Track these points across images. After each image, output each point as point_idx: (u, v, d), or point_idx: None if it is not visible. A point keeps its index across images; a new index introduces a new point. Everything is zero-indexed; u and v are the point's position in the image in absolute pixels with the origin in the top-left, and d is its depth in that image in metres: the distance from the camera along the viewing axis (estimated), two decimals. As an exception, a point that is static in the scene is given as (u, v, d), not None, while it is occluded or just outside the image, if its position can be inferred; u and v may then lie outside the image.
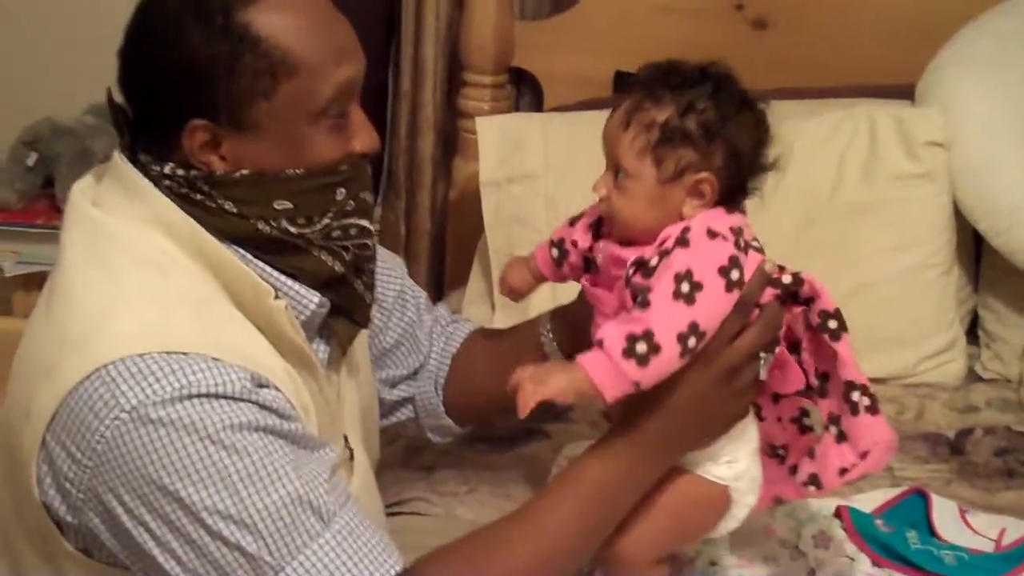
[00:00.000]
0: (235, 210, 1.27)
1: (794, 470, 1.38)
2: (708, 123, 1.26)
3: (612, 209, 1.31)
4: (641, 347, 1.21)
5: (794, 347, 1.35)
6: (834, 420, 1.33)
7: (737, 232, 1.27)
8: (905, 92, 2.20)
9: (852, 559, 1.53)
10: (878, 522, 1.58)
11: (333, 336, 1.39)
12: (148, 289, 1.24)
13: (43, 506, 1.24)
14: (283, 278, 1.30)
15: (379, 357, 1.60)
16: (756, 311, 1.29)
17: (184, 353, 1.19)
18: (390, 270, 1.59)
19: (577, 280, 1.42)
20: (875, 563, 1.52)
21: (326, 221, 1.30)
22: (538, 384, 1.22)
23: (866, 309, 2.01)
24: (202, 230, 1.26)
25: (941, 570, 1.51)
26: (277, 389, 1.24)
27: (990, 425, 1.92)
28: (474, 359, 1.62)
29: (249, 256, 1.28)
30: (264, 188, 1.27)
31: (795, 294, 1.31)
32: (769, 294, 1.30)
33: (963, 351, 2.10)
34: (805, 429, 1.39)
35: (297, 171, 1.27)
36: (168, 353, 1.19)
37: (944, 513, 1.62)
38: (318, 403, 1.33)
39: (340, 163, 1.29)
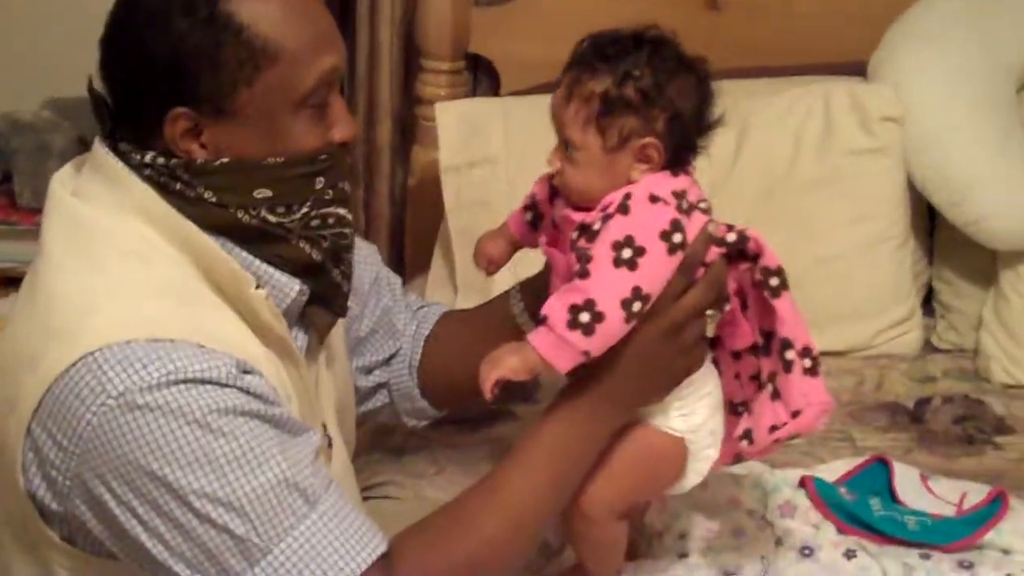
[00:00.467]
0: (215, 199, 1.27)
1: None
2: (645, 89, 1.28)
3: (565, 180, 1.33)
4: (584, 317, 1.24)
5: (745, 304, 1.37)
6: (771, 378, 1.35)
7: (680, 195, 1.30)
8: (857, 69, 2.23)
9: (817, 527, 1.55)
10: (842, 490, 1.60)
11: (311, 325, 1.40)
12: (131, 278, 1.25)
13: (28, 495, 1.25)
14: (264, 266, 1.31)
15: (356, 345, 1.61)
16: (702, 270, 1.32)
17: (170, 340, 1.20)
18: (365, 257, 1.60)
19: (550, 244, 1.44)
20: (840, 530, 1.55)
21: (305, 210, 1.31)
22: (493, 366, 1.26)
23: (824, 282, 2.05)
24: (183, 219, 1.27)
25: (904, 535, 1.54)
26: (260, 375, 1.25)
27: (948, 394, 1.97)
28: (447, 340, 1.64)
29: (229, 244, 1.29)
30: (244, 176, 1.27)
31: (743, 251, 1.34)
32: (715, 252, 1.33)
33: (919, 323, 2.13)
34: (763, 386, 1.40)
35: (277, 159, 1.28)
36: (154, 340, 1.20)
37: (906, 480, 1.65)
38: (298, 391, 1.34)
39: (320, 152, 1.30)
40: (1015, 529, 1.54)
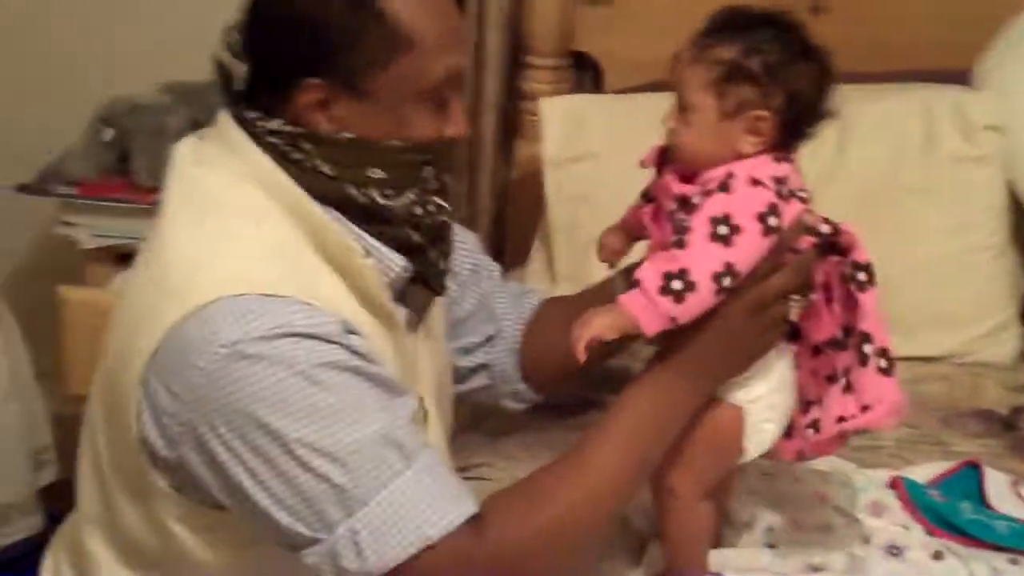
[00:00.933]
0: (330, 172, 1.33)
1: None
2: (770, 64, 1.33)
3: (675, 139, 1.38)
4: (676, 284, 1.29)
5: (828, 298, 1.40)
6: (846, 372, 1.38)
7: (780, 181, 1.34)
8: (961, 76, 2.22)
9: (906, 528, 1.56)
10: (932, 493, 1.61)
11: (411, 303, 1.45)
12: (245, 239, 1.31)
13: (140, 443, 1.31)
14: (371, 240, 1.36)
15: (454, 326, 1.66)
16: (791, 256, 1.36)
17: (280, 296, 1.26)
18: (465, 243, 1.65)
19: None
20: (929, 532, 1.56)
21: (411, 196, 1.36)
22: (584, 326, 1.32)
23: (920, 289, 2.05)
24: (298, 188, 1.33)
25: (994, 539, 1.54)
26: (363, 337, 1.31)
27: (1043, 403, 1.95)
28: (548, 323, 1.68)
29: (340, 218, 1.35)
30: (363, 154, 1.33)
31: (835, 245, 1.37)
32: (806, 241, 1.37)
33: (1016, 332, 2.12)
34: (836, 380, 1.42)
35: (395, 143, 1.34)
36: (265, 295, 1.26)
37: (997, 485, 1.65)
38: (398, 360, 1.39)
39: (433, 143, 1.36)
40: (1105, 538, 1.54)
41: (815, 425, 1.40)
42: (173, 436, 1.28)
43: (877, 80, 2.26)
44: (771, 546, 1.54)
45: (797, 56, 1.35)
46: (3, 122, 2.67)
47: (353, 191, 1.34)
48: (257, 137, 1.34)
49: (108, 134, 2.31)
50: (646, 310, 1.30)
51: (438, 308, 1.55)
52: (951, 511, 1.58)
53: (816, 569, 1.50)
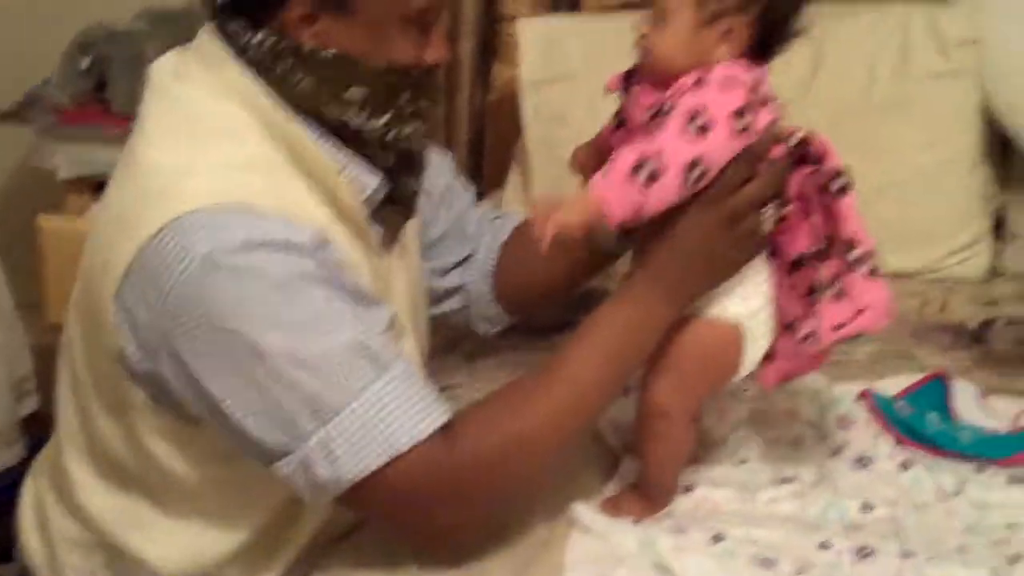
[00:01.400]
0: (310, 88, 1.33)
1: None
2: None
3: (649, 45, 1.38)
4: (647, 169, 1.30)
5: (807, 212, 1.41)
6: (834, 280, 1.39)
7: (754, 85, 1.35)
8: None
9: (875, 439, 1.59)
10: (899, 404, 1.64)
11: (384, 222, 1.46)
12: (223, 152, 1.32)
13: (118, 354, 1.32)
14: (347, 158, 1.37)
15: (428, 248, 1.67)
16: (764, 166, 1.37)
17: (255, 207, 1.27)
18: (439, 165, 1.66)
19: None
20: (897, 442, 1.58)
21: (385, 119, 1.37)
22: (553, 209, 1.31)
23: (892, 205, 2.06)
24: (277, 104, 1.33)
25: (958, 448, 1.57)
26: (337, 249, 1.32)
27: (1012, 317, 1.97)
28: (521, 247, 1.69)
29: (316, 133, 1.35)
30: (343, 71, 1.33)
31: (806, 155, 1.39)
32: (778, 150, 1.38)
33: (988, 247, 2.14)
34: (823, 291, 1.43)
35: (376, 64, 1.34)
36: (240, 206, 1.27)
37: (964, 396, 1.68)
38: (372, 277, 1.40)
39: (413, 67, 1.36)
40: (1070, 446, 1.56)
41: (811, 337, 1.40)
42: (149, 347, 1.30)
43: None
44: (743, 461, 1.57)
45: None
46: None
47: (331, 108, 1.35)
48: (240, 50, 1.34)
49: (85, 62, 2.31)
50: (613, 193, 1.30)
51: (412, 228, 1.56)
52: (918, 422, 1.60)
53: (786, 481, 1.53)
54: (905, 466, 1.54)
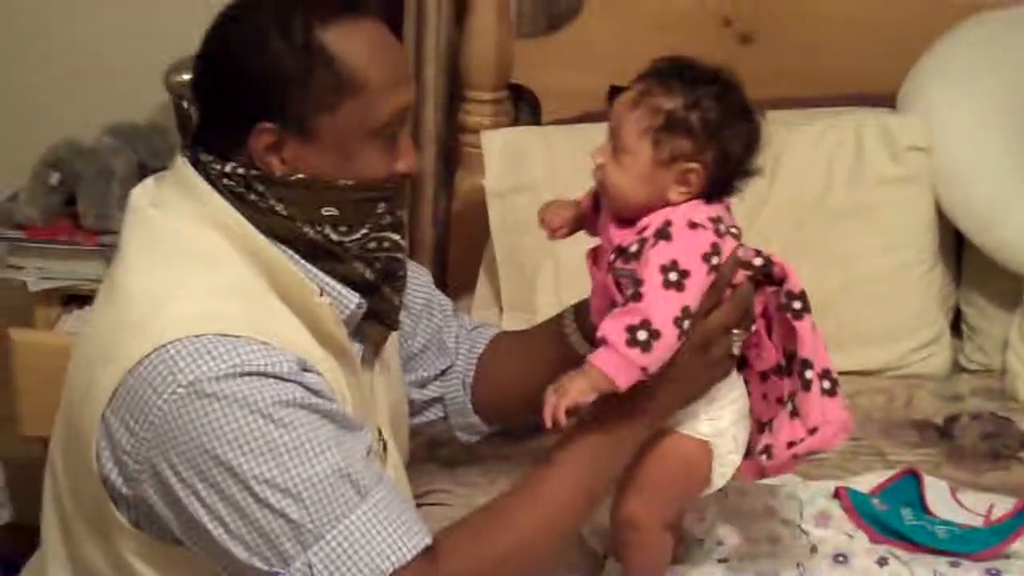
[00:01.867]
0: (285, 212, 1.37)
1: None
2: (709, 121, 1.37)
3: (605, 176, 1.41)
4: (642, 335, 1.32)
5: (768, 327, 1.45)
6: (791, 397, 1.43)
7: (716, 220, 1.39)
8: (885, 100, 2.30)
9: (851, 536, 1.62)
10: (875, 501, 1.67)
11: (366, 338, 1.48)
12: (203, 280, 1.34)
13: (101, 480, 1.33)
14: (326, 278, 1.40)
15: (408, 360, 1.69)
16: (729, 291, 1.41)
17: (236, 336, 1.29)
18: (417, 278, 1.69)
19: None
20: (872, 539, 1.61)
21: (364, 231, 1.40)
22: (561, 394, 1.33)
23: (855, 306, 2.12)
24: (254, 230, 1.36)
25: (935, 544, 1.60)
26: (319, 374, 1.34)
27: (976, 412, 2.01)
28: (500, 358, 1.72)
29: (295, 257, 1.38)
30: (315, 193, 1.37)
31: (769, 276, 1.42)
32: (742, 275, 1.41)
33: (948, 344, 2.20)
34: (784, 405, 1.46)
35: (347, 182, 1.37)
36: (222, 335, 1.29)
37: (936, 492, 1.71)
38: (354, 395, 1.42)
39: (385, 181, 1.40)
40: (1041, 539, 1.60)
41: (767, 451, 1.44)
42: (132, 474, 1.31)
43: (803, 106, 2.33)
44: (722, 560, 1.59)
45: (734, 116, 1.39)
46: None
47: (307, 229, 1.37)
48: (212, 180, 1.37)
49: (54, 177, 2.32)
50: (618, 365, 1.33)
51: (392, 342, 1.59)
52: (893, 518, 1.64)
53: (767, 580, 1.55)
54: (882, 563, 1.57)
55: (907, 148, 2.19)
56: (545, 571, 1.45)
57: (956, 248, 2.27)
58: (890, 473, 1.77)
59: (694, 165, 1.38)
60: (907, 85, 2.27)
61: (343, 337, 1.41)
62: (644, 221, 1.38)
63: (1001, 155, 2.17)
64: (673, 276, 1.34)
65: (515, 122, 2.52)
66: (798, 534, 1.63)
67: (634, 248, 1.37)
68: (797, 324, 1.41)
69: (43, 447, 2.25)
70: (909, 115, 2.23)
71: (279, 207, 1.37)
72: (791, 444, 1.41)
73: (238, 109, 1.36)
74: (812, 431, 1.40)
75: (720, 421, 1.46)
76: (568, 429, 1.37)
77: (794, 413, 1.42)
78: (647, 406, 1.40)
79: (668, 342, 1.33)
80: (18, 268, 2.33)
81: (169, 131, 2.39)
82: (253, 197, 1.37)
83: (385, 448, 1.51)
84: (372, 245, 1.41)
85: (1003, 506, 1.68)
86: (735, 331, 1.42)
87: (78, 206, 2.31)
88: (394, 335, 1.58)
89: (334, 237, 1.38)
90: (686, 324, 1.34)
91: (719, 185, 1.40)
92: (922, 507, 1.70)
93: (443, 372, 1.73)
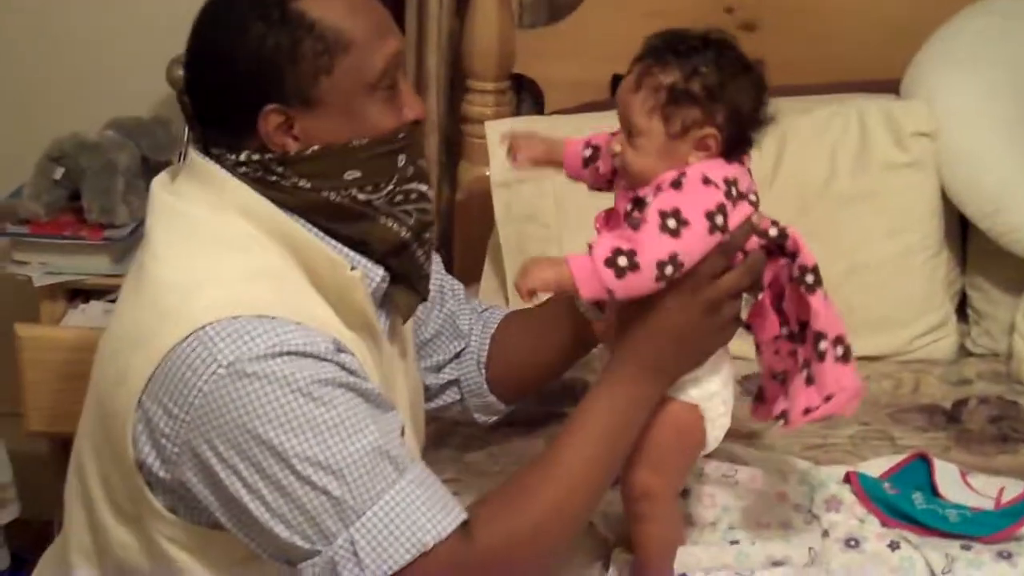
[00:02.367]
0: (309, 185, 1.38)
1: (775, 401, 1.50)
2: (710, 85, 1.39)
3: (626, 162, 1.43)
4: (622, 261, 1.35)
5: (780, 297, 1.47)
6: (806, 364, 1.44)
7: (730, 182, 1.40)
8: (889, 87, 2.30)
9: (862, 520, 1.63)
10: (885, 485, 1.68)
11: (394, 308, 1.49)
12: (234, 265, 1.35)
13: (136, 466, 1.34)
14: (352, 253, 1.41)
15: (422, 346, 1.71)
16: (741, 256, 1.43)
17: (272, 317, 1.30)
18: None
19: (590, 186, 1.56)
20: (884, 523, 1.62)
21: (390, 187, 1.41)
22: (527, 275, 1.37)
23: (861, 291, 2.12)
24: (278, 211, 1.37)
25: (945, 527, 1.61)
26: (352, 354, 1.35)
27: (983, 396, 2.02)
28: (512, 335, 1.74)
29: (322, 233, 1.39)
30: (335, 160, 1.38)
31: (782, 247, 1.44)
32: (755, 243, 1.43)
33: (954, 328, 2.20)
34: (800, 369, 1.48)
35: (361, 141, 1.39)
36: (259, 316, 1.30)
37: (946, 475, 1.72)
38: (380, 373, 1.44)
39: (398, 131, 1.41)
40: (1052, 520, 1.60)
41: (784, 416, 1.46)
42: (171, 457, 1.32)
43: (807, 93, 2.33)
44: (734, 542, 1.59)
45: (734, 73, 1.41)
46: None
47: (334, 196, 1.39)
48: (228, 170, 1.38)
49: (58, 172, 2.32)
50: (587, 275, 1.35)
51: (408, 331, 1.59)
52: (904, 502, 1.64)
53: (778, 563, 1.56)
54: (893, 546, 1.58)
55: (912, 134, 2.19)
56: (575, 538, 1.45)
57: (961, 233, 2.27)
58: (900, 458, 1.77)
59: (709, 130, 1.40)
60: (911, 71, 2.27)
61: (372, 311, 1.43)
62: (662, 176, 1.40)
63: (1006, 140, 2.18)
64: (672, 223, 1.36)
65: (518, 112, 2.53)
66: (809, 519, 1.64)
67: (649, 199, 1.39)
68: (810, 297, 1.42)
69: (49, 442, 2.29)
70: (913, 101, 2.23)
71: (302, 182, 1.38)
72: (807, 411, 1.44)
73: (239, 101, 1.37)
74: (827, 398, 1.43)
75: (711, 384, 1.48)
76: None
77: (809, 380, 1.44)
78: (658, 368, 1.43)
79: (643, 279, 1.35)
80: (23, 263, 2.33)
81: (172, 125, 2.40)
82: (273, 179, 1.38)
83: (403, 432, 1.51)
84: (399, 199, 1.43)
85: (1013, 489, 1.69)
86: (745, 296, 1.45)
87: (82, 201, 2.31)
88: (408, 324, 1.58)
89: (361, 197, 1.40)
90: (668, 270, 1.36)
91: (737, 142, 1.43)
92: (932, 491, 1.70)
93: (458, 355, 1.74)
